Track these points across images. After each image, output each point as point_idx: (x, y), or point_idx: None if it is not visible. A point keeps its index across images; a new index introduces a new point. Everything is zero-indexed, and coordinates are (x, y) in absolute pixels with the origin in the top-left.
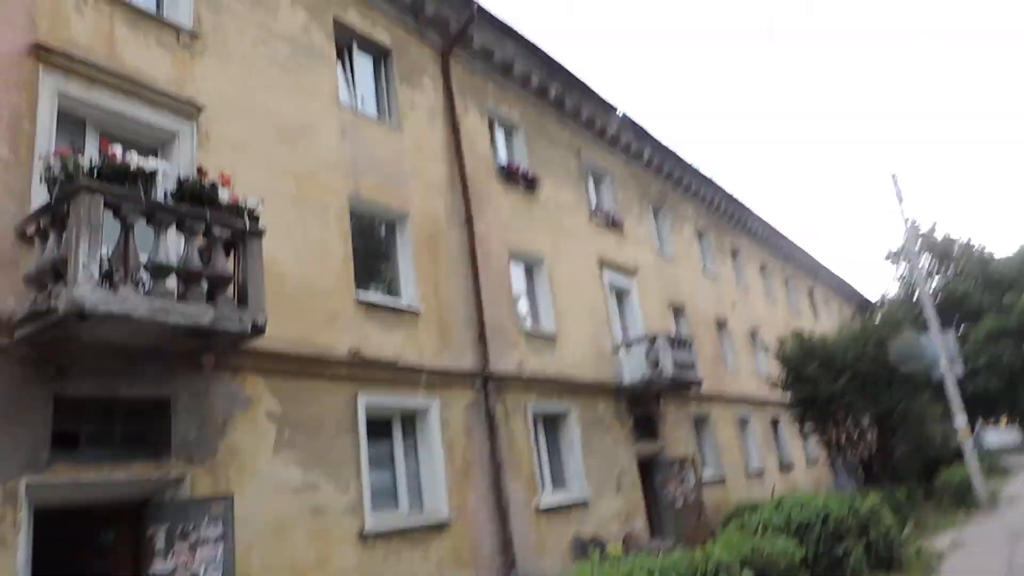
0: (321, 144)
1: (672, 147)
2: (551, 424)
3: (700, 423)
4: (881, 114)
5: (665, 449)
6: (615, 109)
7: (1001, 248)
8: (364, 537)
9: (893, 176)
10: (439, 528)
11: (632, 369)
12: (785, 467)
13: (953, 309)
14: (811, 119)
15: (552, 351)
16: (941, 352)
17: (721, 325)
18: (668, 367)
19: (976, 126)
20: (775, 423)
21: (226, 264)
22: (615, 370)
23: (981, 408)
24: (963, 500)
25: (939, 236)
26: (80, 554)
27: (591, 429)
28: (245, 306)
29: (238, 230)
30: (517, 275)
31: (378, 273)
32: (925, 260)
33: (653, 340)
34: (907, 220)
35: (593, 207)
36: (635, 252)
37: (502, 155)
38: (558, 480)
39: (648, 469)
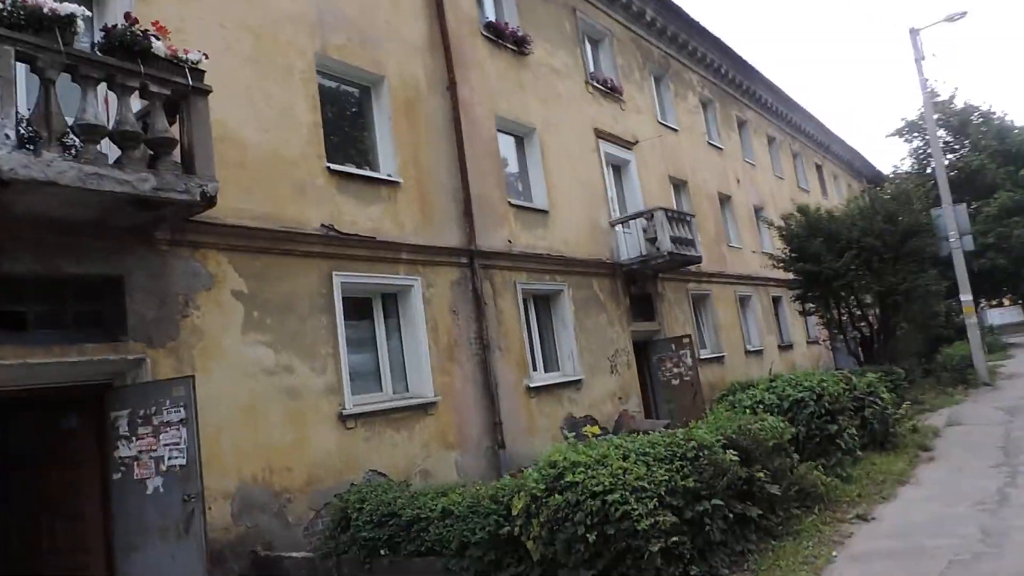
0: None
1: (678, 5)
2: (543, 303)
3: (699, 302)
4: None
5: (663, 328)
6: None
7: (1022, 118)
8: (344, 419)
9: (912, 31)
10: (424, 409)
11: (629, 246)
12: (785, 346)
13: (966, 184)
14: None
15: (544, 227)
16: (951, 226)
17: (725, 201)
18: (666, 243)
19: None
20: (776, 301)
21: (167, 126)
22: (611, 247)
23: (986, 287)
24: (962, 378)
25: (958, 105)
26: (45, 440)
27: (585, 308)
28: (192, 173)
29: (179, 87)
30: (506, 146)
31: (353, 143)
32: (941, 132)
33: (651, 215)
34: (924, 82)
35: (590, 73)
36: (635, 123)
37: (489, 13)
38: (550, 360)
39: (645, 349)
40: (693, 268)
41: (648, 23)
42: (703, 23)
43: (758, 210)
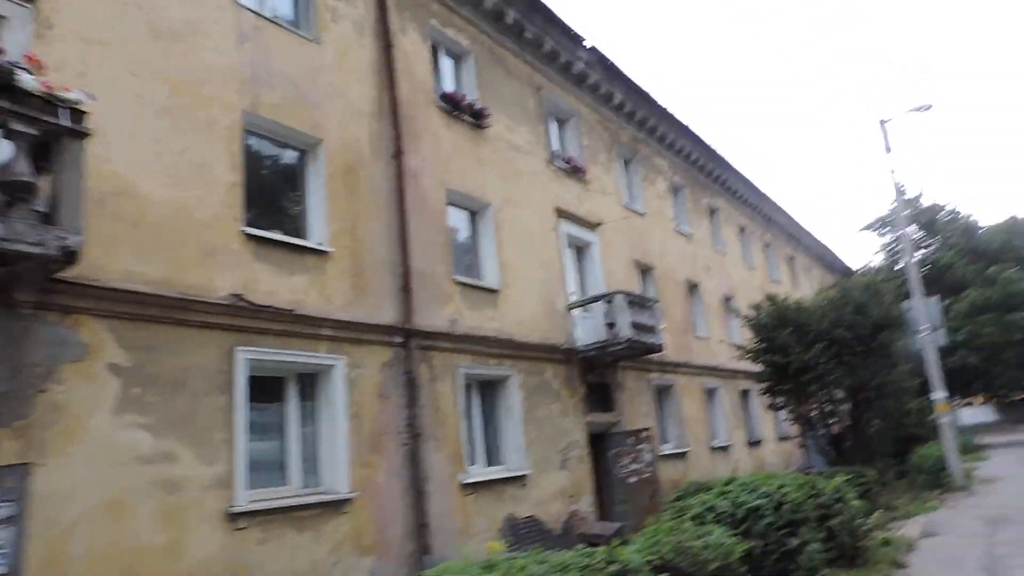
0: (210, 47)
1: (647, 91)
2: (489, 389)
3: (663, 393)
4: (874, 76)
5: (621, 420)
6: (583, 42)
7: (988, 217)
8: (233, 517)
9: (881, 123)
10: (337, 506)
11: (587, 331)
12: (754, 442)
13: (936, 281)
14: (801, 76)
15: (494, 307)
16: (923, 320)
17: (693, 288)
18: (625, 329)
19: (968, 89)
20: (745, 395)
21: (27, 170)
22: (568, 332)
23: (959, 384)
24: (937, 481)
25: (925, 203)
26: None
27: (536, 396)
28: (54, 225)
29: (51, 128)
30: (458, 220)
31: (281, 207)
32: (911, 227)
33: (611, 299)
34: (897, 185)
35: (553, 151)
36: (600, 204)
37: (447, 84)
38: (493, 453)
39: (601, 442)
40: (656, 357)
41: (616, 106)
42: (672, 110)
43: (727, 299)
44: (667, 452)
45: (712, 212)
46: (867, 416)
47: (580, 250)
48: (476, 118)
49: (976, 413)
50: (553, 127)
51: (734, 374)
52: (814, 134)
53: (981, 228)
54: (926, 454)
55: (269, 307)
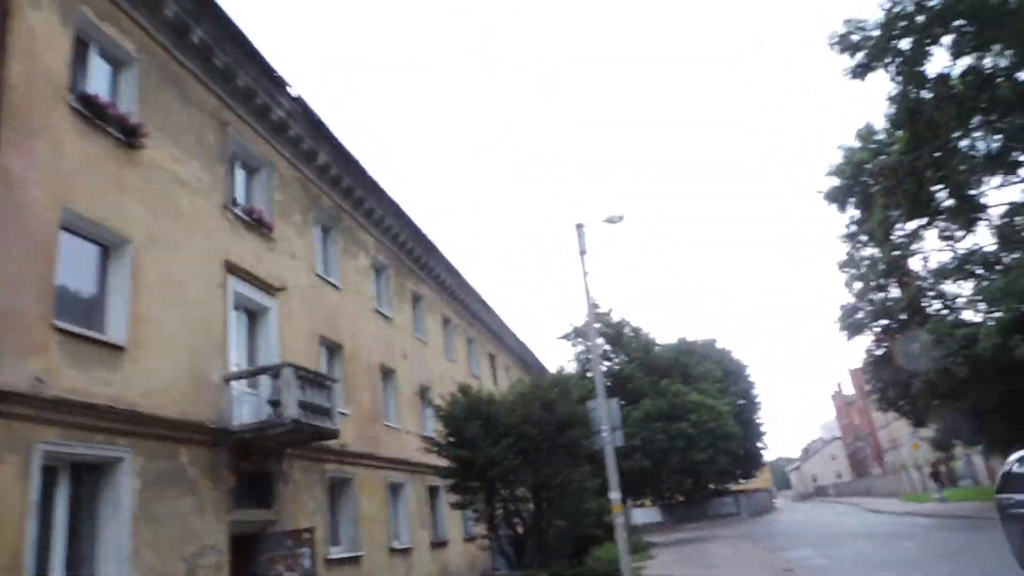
0: None
1: (357, 159)
2: (88, 476)
3: (339, 487)
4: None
5: (282, 518)
6: (287, 88)
7: (663, 336)
8: None
9: (578, 226)
10: None
11: (251, 411)
12: (439, 543)
13: (619, 389)
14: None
15: (115, 369)
16: (605, 420)
17: (388, 374)
18: (292, 409)
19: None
20: (434, 491)
21: None
22: (223, 409)
23: (634, 487)
24: None
25: (614, 319)
26: None
27: (159, 487)
28: None
29: None
30: (81, 252)
31: None
32: (600, 340)
33: (277, 372)
34: (588, 292)
35: (233, 198)
36: (286, 268)
37: (99, 88)
38: (80, 564)
39: (252, 546)
40: (335, 446)
41: (320, 167)
42: (384, 186)
43: (425, 390)
44: (337, 556)
45: (416, 299)
46: (549, 516)
47: (254, 315)
48: (128, 135)
49: (646, 513)
50: (240, 173)
51: (423, 469)
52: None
53: (658, 346)
54: (602, 556)
55: None
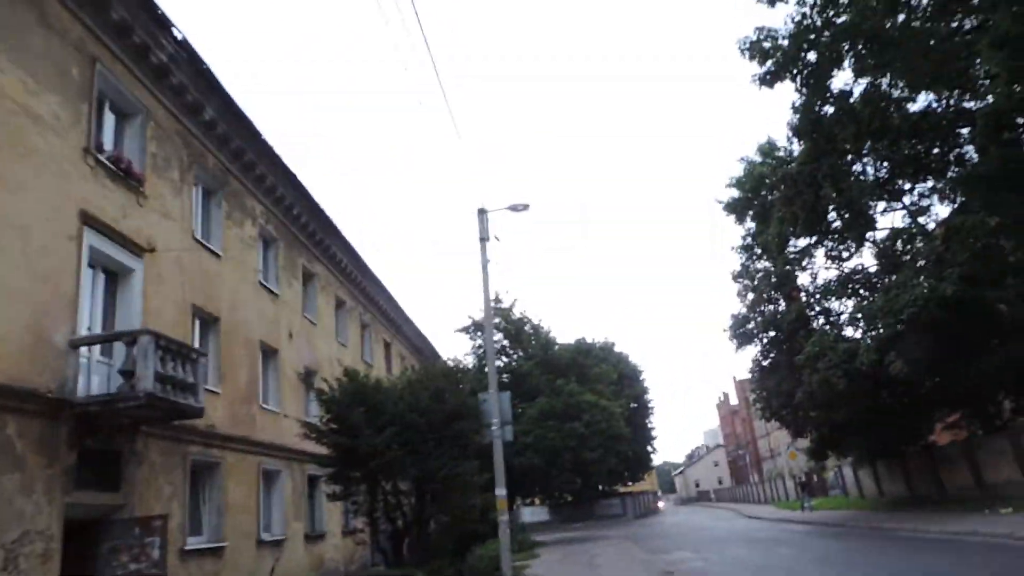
0: None
1: (251, 120)
2: None
3: (203, 472)
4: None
5: (131, 504)
6: (171, 28)
7: (563, 335)
8: None
9: (480, 212)
10: None
11: (98, 381)
12: (316, 536)
13: (516, 386)
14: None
15: None
16: (495, 414)
17: (269, 354)
18: (147, 381)
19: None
20: (313, 481)
21: None
22: (66, 376)
23: (524, 484)
24: None
25: (515, 314)
26: None
27: None
28: None
29: None
30: None
31: None
32: (499, 336)
33: (133, 339)
34: (486, 277)
35: (98, 142)
36: (157, 227)
37: None
38: None
39: (93, 533)
40: (202, 427)
41: (206, 124)
42: (279, 152)
43: (310, 373)
44: (195, 547)
45: (309, 276)
46: (431, 511)
47: (114, 276)
48: None
49: (534, 512)
50: (110, 117)
51: (303, 457)
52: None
53: (557, 345)
54: (482, 553)
55: None
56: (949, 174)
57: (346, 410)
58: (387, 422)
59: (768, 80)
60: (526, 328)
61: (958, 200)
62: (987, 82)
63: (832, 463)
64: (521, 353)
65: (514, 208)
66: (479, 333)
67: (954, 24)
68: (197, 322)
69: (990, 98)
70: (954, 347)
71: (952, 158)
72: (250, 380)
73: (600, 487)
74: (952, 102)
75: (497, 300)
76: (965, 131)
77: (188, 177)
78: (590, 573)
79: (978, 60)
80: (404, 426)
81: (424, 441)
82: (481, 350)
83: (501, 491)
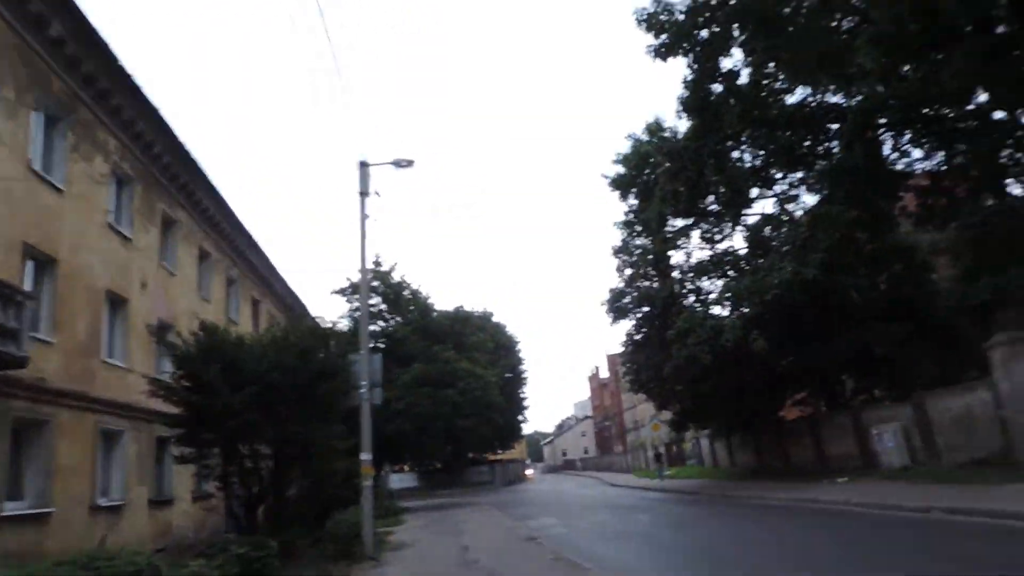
0: None
1: (106, 40)
2: None
3: (29, 430)
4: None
5: None
6: None
7: (441, 300)
8: None
9: (362, 164)
10: None
11: None
12: (161, 502)
13: (393, 352)
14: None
15: None
16: (365, 376)
17: (117, 304)
18: None
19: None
20: (163, 443)
21: None
22: None
23: (393, 451)
24: (349, 549)
25: (395, 278)
26: None
27: None
28: None
29: None
30: None
31: None
32: (377, 300)
33: None
34: (364, 244)
35: None
36: None
37: None
38: None
39: None
40: (28, 378)
41: (53, 41)
42: (138, 82)
43: (165, 328)
44: (14, 513)
45: (169, 223)
46: (290, 476)
47: None
48: None
49: (403, 479)
50: None
51: (152, 417)
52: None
53: (436, 311)
54: (343, 519)
55: None
56: (817, 166)
57: (201, 367)
58: (247, 381)
59: (663, 53)
60: (405, 293)
61: (823, 191)
62: (862, 79)
63: (692, 435)
64: (399, 319)
65: (398, 163)
66: (357, 296)
67: (833, 24)
68: (30, 263)
69: (859, 97)
70: (809, 329)
71: (821, 151)
72: (92, 331)
73: (470, 455)
74: (825, 98)
75: (377, 263)
76: (835, 127)
77: (26, 99)
78: (455, 540)
79: (857, 59)
80: (265, 385)
81: (286, 402)
82: (358, 312)
83: (366, 456)
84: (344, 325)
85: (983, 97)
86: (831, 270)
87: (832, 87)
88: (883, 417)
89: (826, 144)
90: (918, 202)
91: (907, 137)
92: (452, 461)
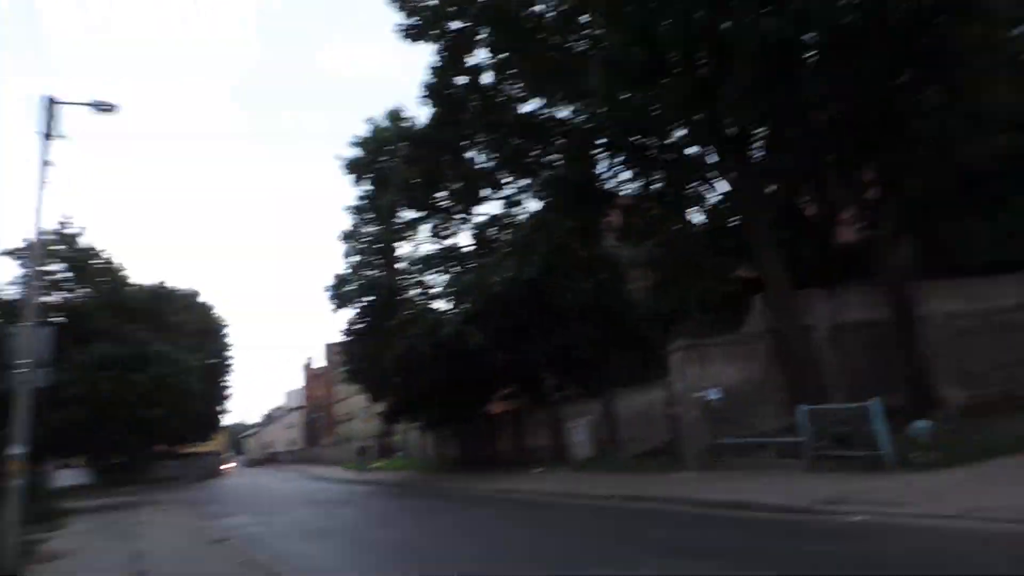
0: None
1: None
2: None
3: None
4: None
5: None
6: None
7: (141, 276)
8: None
9: (49, 101)
10: None
11: None
12: None
13: (75, 328)
14: None
15: None
16: (28, 354)
17: None
18: None
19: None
20: None
21: None
22: None
23: (64, 444)
24: None
25: (82, 243)
26: None
27: None
28: None
29: None
30: None
31: None
32: (62, 267)
33: None
34: (42, 193)
35: None
36: None
37: None
38: None
39: None
40: None
41: None
42: None
43: None
44: None
45: None
46: None
47: None
48: None
49: (75, 475)
50: None
51: None
52: None
53: (132, 285)
54: None
55: None
56: (542, 175)
57: None
58: None
59: (414, 35)
60: (95, 263)
61: (546, 199)
62: (590, 99)
63: (403, 427)
64: (89, 289)
65: (98, 106)
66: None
67: (568, 44)
68: None
69: (584, 116)
70: (524, 327)
71: (546, 161)
72: None
73: (159, 448)
74: (555, 112)
75: (63, 224)
76: (561, 141)
77: None
78: (128, 545)
79: (589, 79)
80: None
81: None
82: (30, 279)
83: (17, 449)
84: (15, 292)
85: (682, 132)
86: (550, 272)
87: (563, 101)
88: (577, 412)
89: (551, 156)
90: (623, 219)
91: (620, 159)
92: (137, 454)
